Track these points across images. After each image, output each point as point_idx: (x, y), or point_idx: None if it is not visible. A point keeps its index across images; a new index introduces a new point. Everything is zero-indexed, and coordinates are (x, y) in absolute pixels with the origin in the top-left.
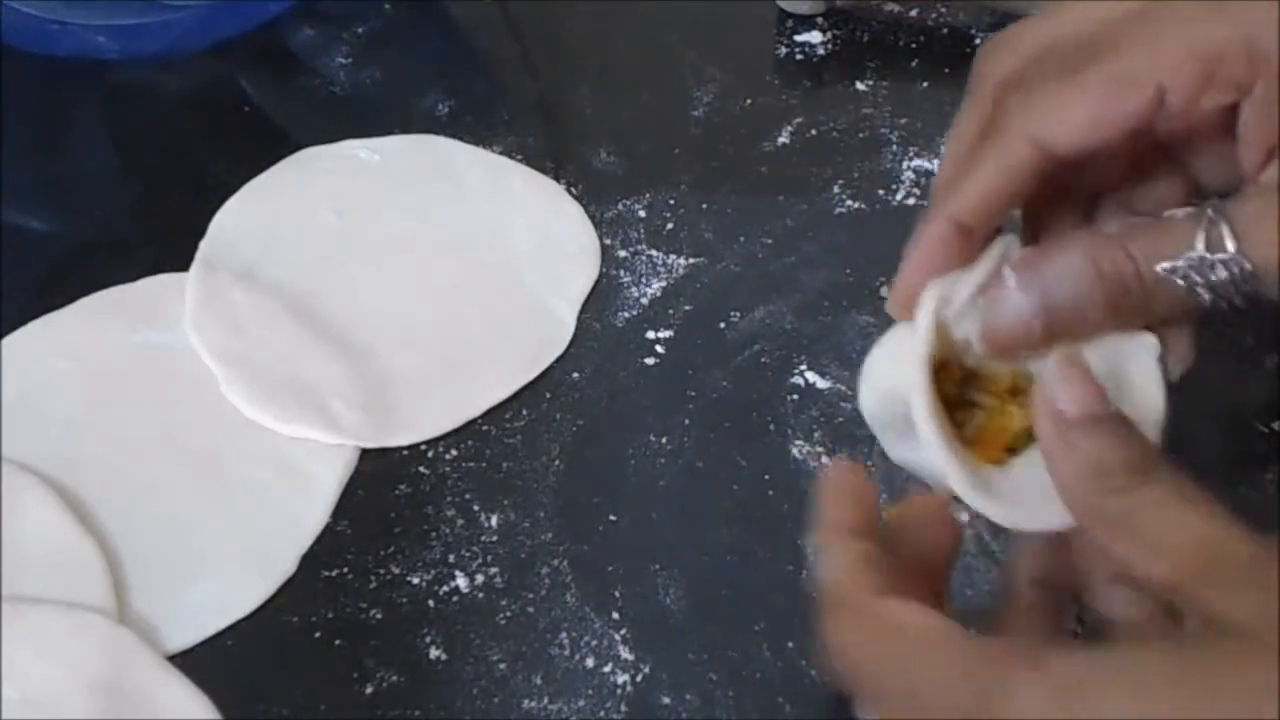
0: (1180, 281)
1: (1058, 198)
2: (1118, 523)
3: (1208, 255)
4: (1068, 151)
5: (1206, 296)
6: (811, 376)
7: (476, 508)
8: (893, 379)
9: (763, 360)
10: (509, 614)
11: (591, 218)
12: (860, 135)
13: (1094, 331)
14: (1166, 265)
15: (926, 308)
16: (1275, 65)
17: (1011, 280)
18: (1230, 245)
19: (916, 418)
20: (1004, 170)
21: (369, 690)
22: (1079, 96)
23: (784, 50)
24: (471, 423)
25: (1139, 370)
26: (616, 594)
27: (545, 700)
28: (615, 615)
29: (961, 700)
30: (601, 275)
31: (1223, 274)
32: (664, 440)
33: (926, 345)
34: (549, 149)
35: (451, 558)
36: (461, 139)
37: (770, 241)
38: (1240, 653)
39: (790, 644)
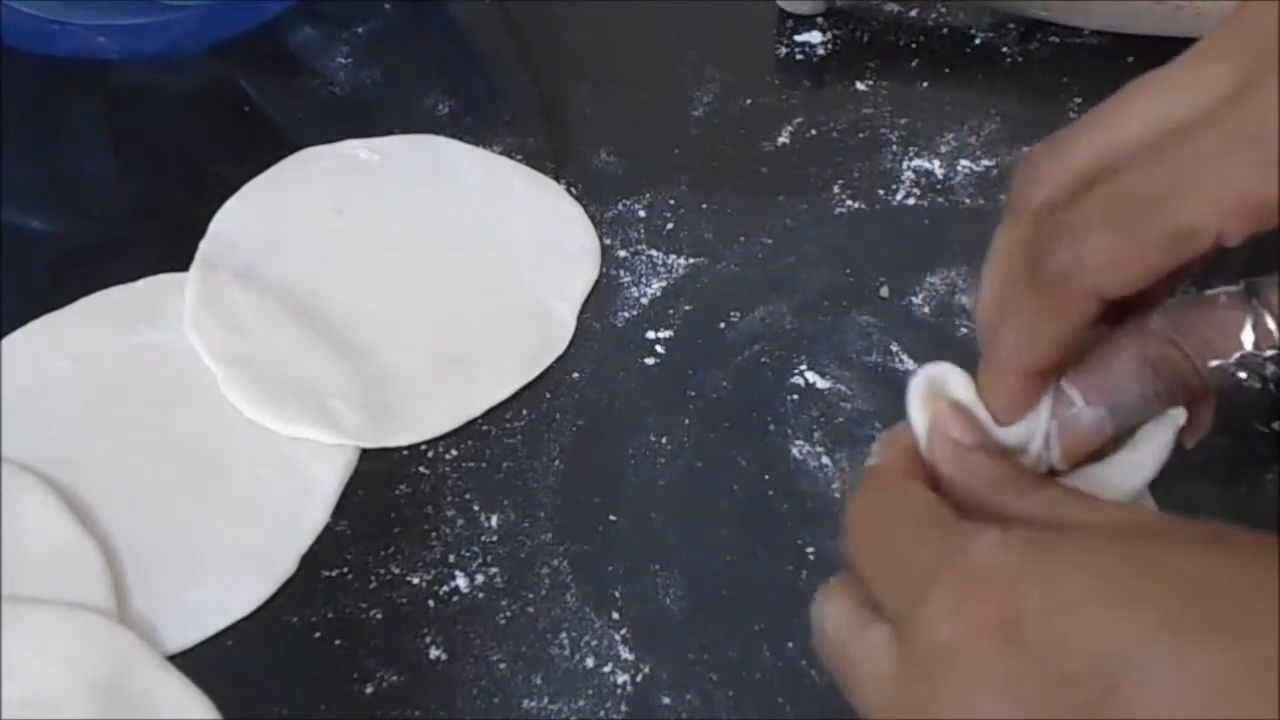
0: (1230, 373)
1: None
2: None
3: (1258, 353)
4: (1128, 292)
5: (1257, 385)
6: (811, 376)
7: (476, 508)
8: None
9: (763, 360)
10: (509, 614)
11: (591, 218)
12: (860, 135)
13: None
14: (1218, 364)
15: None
16: None
17: (1079, 399)
18: (1277, 337)
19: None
20: (1066, 325)
21: (369, 690)
22: (1138, 255)
23: (784, 50)
24: (471, 423)
25: (1156, 431)
26: (616, 594)
27: (545, 700)
28: (615, 615)
29: (925, 554)
30: (601, 275)
31: (1272, 368)
32: (664, 440)
33: None
34: (549, 149)
35: (451, 558)
36: (461, 139)
37: (770, 241)
38: (1195, 553)
39: (790, 644)
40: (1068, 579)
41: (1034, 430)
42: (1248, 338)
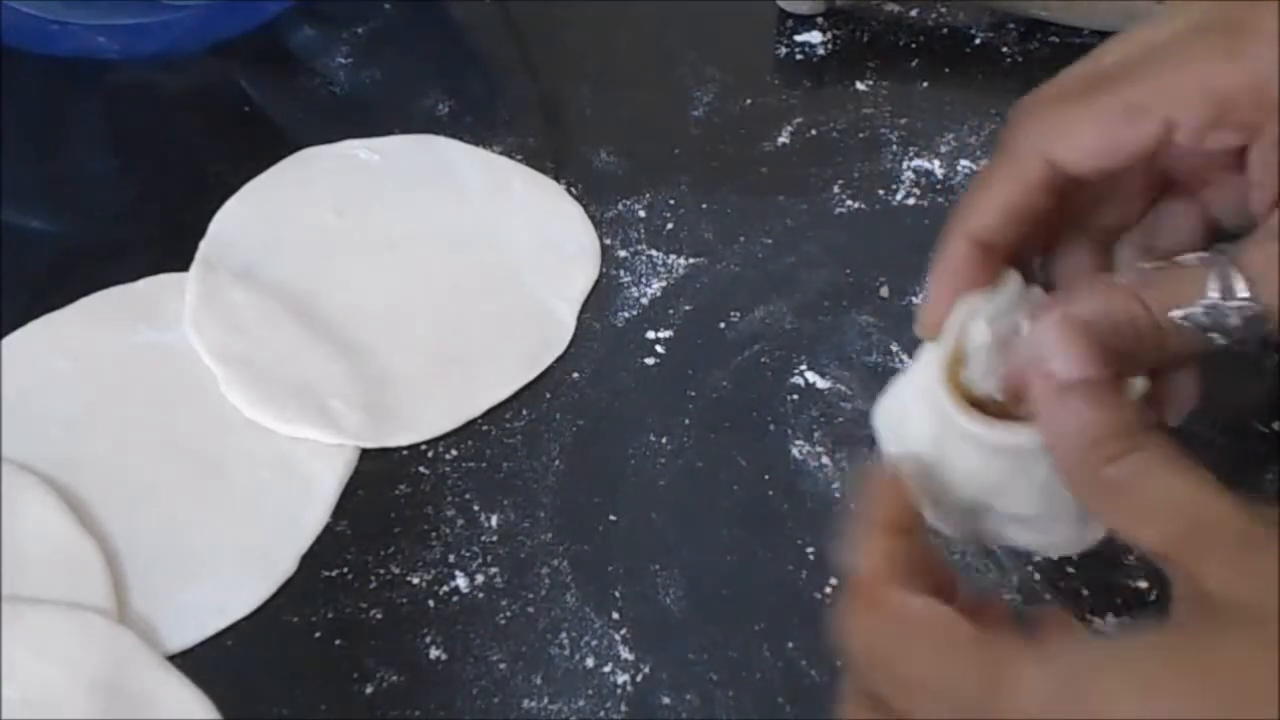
0: (1194, 327)
1: (1075, 237)
2: (1108, 488)
3: (1221, 302)
4: (1078, 171)
5: (1221, 341)
6: (811, 376)
7: (476, 508)
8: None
9: (763, 360)
10: (509, 614)
11: (591, 218)
12: (860, 135)
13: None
14: (1180, 312)
15: (953, 325)
16: None
17: (1028, 329)
18: (1243, 291)
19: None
20: (1017, 186)
21: (369, 690)
22: (1088, 118)
23: (784, 50)
24: (471, 423)
25: None
26: (616, 594)
27: (545, 700)
28: (615, 615)
29: (966, 691)
30: (601, 275)
31: (1236, 320)
32: (664, 440)
33: (949, 358)
34: (549, 149)
35: (451, 558)
36: (461, 139)
37: (770, 241)
38: (1242, 642)
39: (790, 644)
40: (1117, 706)
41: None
42: (1213, 289)
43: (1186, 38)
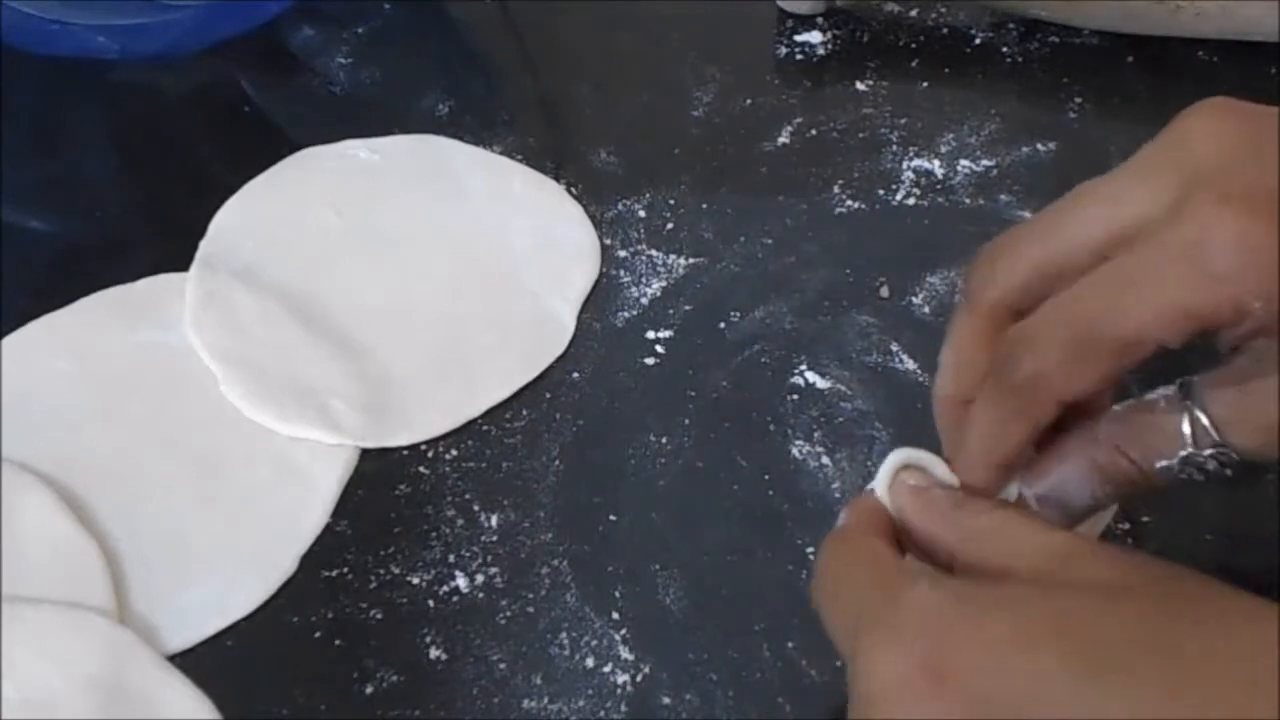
0: (1176, 472)
1: None
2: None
3: (1196, 453)
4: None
5: (1201, 479)
6: (811, 376)
7: (476, 508)
8: None
9: (763, 360)
10: (509, 614)
11: (591, 218)
12: (860, 135)
13: None
14: (1163, 464)
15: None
16: (1262, 317)
17: (1034, 503)
18: (1214, 436)
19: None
20: (1034, 426)
21: (369, 690)
22: (1092, 364)
23: (784, 50)
24: (471, 423)
25: (1096, 518)
26: (616, 594)
27: (545, 700)
28: (615, 615)
29: (871, 599)
30: (601, 275)
31: (1213, 464)
32: (664, 440)
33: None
34: (549, 149)
35: (451, 558)
36: (461, 139)
37: (770, 241)
38: (1113, 607)
39: (790, 644)
40: (987, 627)
41: None
42: (1187, 436)
43: (1158, 254)
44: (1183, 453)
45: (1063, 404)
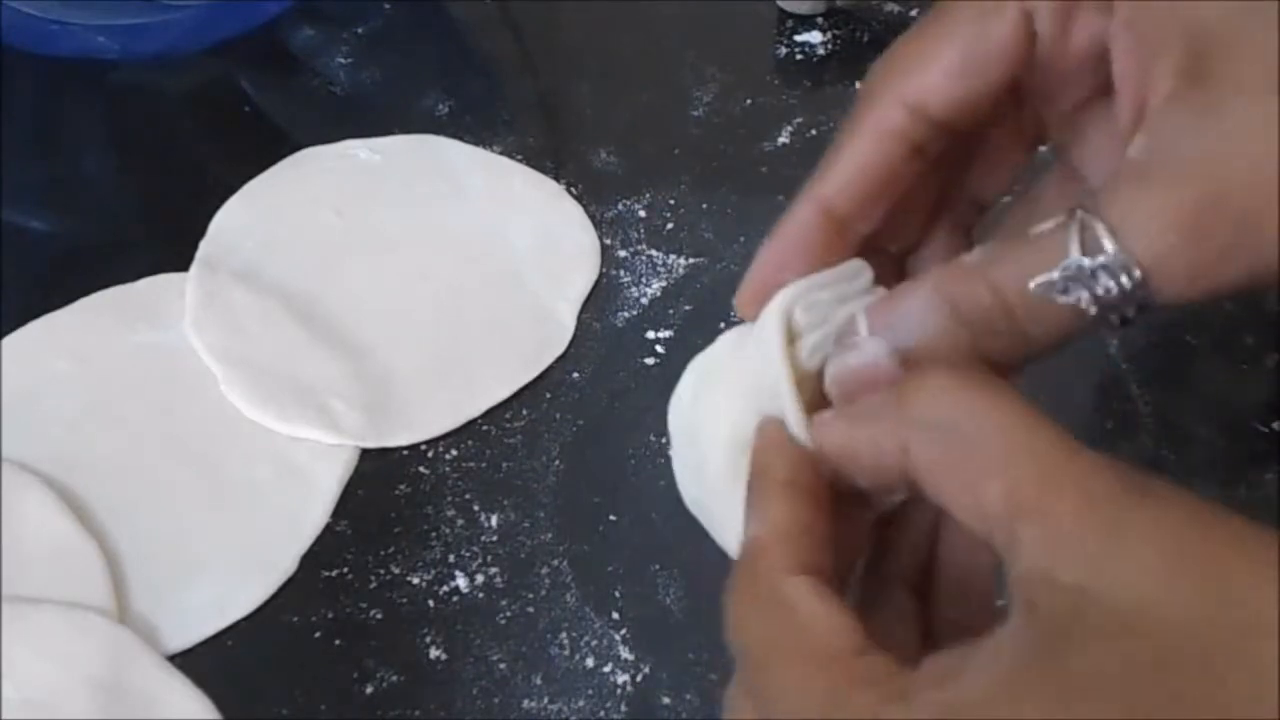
0: (1059, 299)
1: (942, 223)
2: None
3: (1085, 262)
4: (942, 108)
5: (1093, 310)
6: None
7: (476, 508)
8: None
9: None
10: (509, 614)
11: (591, 218)
12: None
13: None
14: (1039, 282)
15: (774, 314)
16: None
17: (863, 326)
18: (1109, 245)
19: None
20: (872, 142)
21: (369, 690)
22: (943, 40)
23: (784, 50)
24: (471, 423)
25: None
26: (616, 594)
27: (545, 700)
28: (615, 615)
29: None
30: (601, 275)
31: (1107, 281)
32: (664, 440)
33: (782, 358)
34: (549, 149)
35: (451, 558)
36: (461, 139)
37: None
38: (1113, 655)
39: None
40: None
41: (823, 337)
42: (1074, 248)
43: None
44: (1063, 265)
45: (905, 109)
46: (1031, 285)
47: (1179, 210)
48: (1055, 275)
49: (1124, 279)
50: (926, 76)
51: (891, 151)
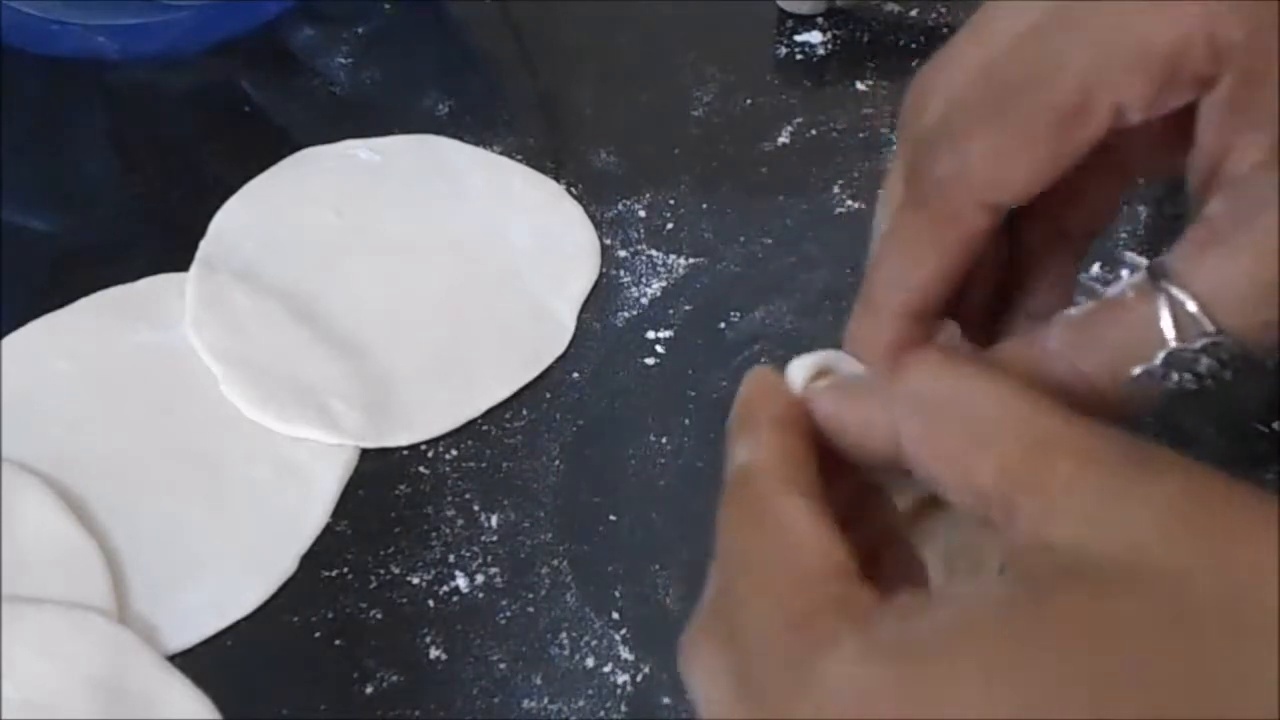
0: (1162, 385)
1: (1043, 263)
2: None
3: (1187, 348)
4: (1024, 200)
5: (1194, 387)
6: None
7: (476, 508)
8: None
9: (763, 360)
10: (509, 614)
11: (591, 218)
12: (860, 135)
13: None
14: (1141, 370)
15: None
16: (1243, 57)
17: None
18: (1208, 325)
19: None
20: (955, 247)
21: (369, 690)
22: (1024, 144)
23: (784, 50)
24: (471, 423)
25: None
26: (616, 594)
27: (545, 700)
28: (615, 615)
29: (774, 660)
30: (601, 275)
31: (1206, 362)
32: (664, 440)
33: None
34: (549, 149)
35: (451, 558)
36: (461, 139)
37: (770, 241)
38: (1107, 613)
39: None
40: (927, 701)
41: None
42: (1168, 330)
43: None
44: (1164, 351)
45: (990, 211)
46: (1134, 373)
47: (1268, 272)
48: (1156, 366)
49: (1225, 355)
50: (1009, 188)
51: (975, 251)
